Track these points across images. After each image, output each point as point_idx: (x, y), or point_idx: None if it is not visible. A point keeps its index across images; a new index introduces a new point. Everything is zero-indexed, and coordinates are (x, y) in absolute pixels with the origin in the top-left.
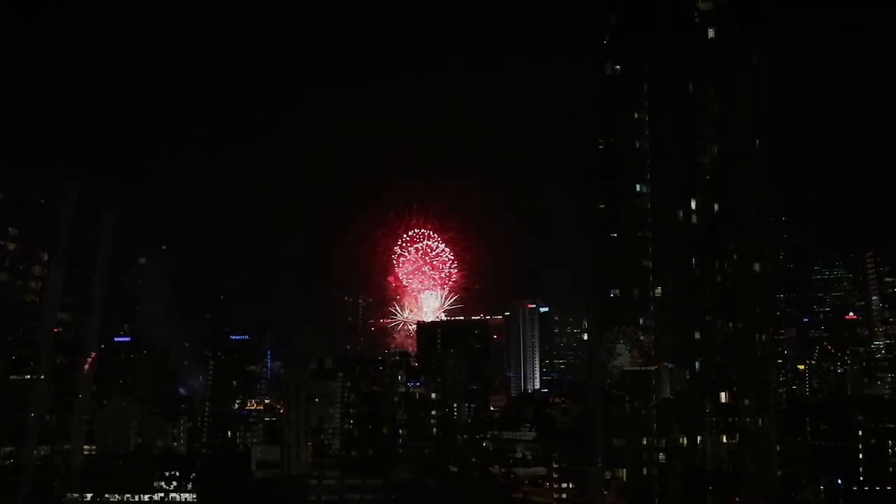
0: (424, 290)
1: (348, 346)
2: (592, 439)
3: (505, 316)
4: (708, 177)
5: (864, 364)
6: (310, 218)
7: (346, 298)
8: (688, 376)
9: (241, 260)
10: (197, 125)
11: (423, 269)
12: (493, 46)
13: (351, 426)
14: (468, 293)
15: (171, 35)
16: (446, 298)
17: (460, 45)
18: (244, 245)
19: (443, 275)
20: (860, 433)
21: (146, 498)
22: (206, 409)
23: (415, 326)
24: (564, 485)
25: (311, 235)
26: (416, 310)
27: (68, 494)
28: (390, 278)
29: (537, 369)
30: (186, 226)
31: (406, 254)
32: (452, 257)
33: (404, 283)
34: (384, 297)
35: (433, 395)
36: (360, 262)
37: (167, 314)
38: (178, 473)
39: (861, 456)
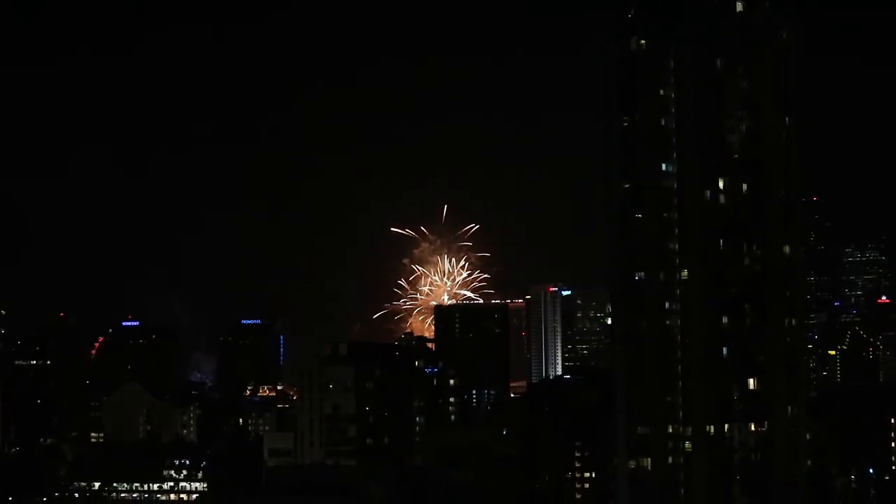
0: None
1: (362, 331)
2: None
3: (526, 299)
4: (736, 156)
5: None
6: (325, 202)
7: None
8: (715, 362)
9: (254, 243)
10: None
11: (440, 252)
12: (515, 19)
13: (367, 413)
14: (487, 275)
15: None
16: (465, 284)
17: (480, 20)
18: (257, 228)
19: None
20: (893, 421)
21: (156, 487)
22: (218, 395)
23: (431, 310)
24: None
25: (325, 219)
26: (433, 293)
27: (75, 483)
28: (406, 260)
29: (559, 354)
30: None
31: (423, 236)
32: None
33: (420, 264)
34: (400, 279)
35: (451, 381)
36: (376, 244)
37: (177, 297)
38: (188, 462)
39: (894, 445)
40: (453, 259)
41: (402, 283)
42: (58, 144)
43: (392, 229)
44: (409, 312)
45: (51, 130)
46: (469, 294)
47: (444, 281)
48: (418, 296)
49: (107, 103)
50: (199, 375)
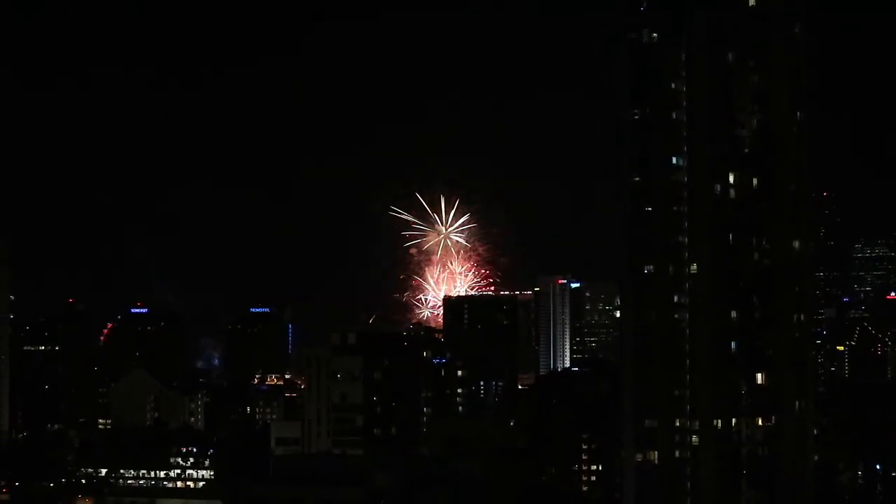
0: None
1: (371, 321)
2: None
3: (535, 291)
4: (747, 150)
5: None
6: (333, 192)
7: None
8: (723, 357)
9: (262, 231)
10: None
11: (446, 243)
12: (526, 10)
13: (374, 403)
14: (494, 266)
15: None
16: (472, 272)
17: (492, 10)
18: (266, 217)
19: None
20: None
21: (162, 474)
22: (225, 383)
23: (439, 301)
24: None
25: (332, 211)
26: (442, 284)
27: (82, 469)
28: (413, 250)
29: (567, 346)
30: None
31: (430, 227)
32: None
33: (429, 256)
34: (408, 270)
35: (459, 372)
36: (384, 235)
37: (186, 285)
38: (195, 450)
39: None
40: (461, 252)
41: (409, 274)
42: (60, 138)
43: (396, 221)
44: (417, 303)
45: (54, 125)
46: (472, 289)
47: (450, 274)
48: (425, 286)
49: (111, 101)
50: (206, 363)
